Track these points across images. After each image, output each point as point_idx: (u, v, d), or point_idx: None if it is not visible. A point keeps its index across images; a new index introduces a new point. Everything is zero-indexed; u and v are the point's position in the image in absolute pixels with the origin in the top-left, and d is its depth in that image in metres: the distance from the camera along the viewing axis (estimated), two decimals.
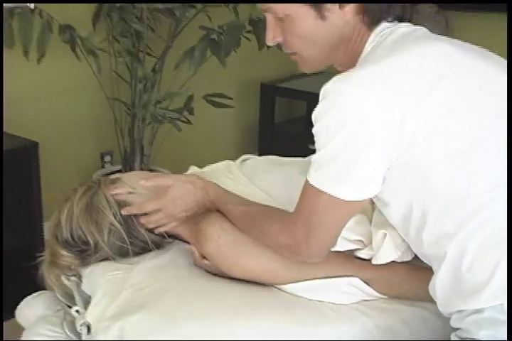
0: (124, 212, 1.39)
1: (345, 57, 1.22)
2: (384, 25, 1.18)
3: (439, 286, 1.13)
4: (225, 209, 1.37)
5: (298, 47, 1.21)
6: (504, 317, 1.05)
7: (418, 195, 1.11)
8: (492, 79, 1.14)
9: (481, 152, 1.07)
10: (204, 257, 1.36)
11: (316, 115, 1.08)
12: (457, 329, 1.12)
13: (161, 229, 1.42)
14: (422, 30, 1.20)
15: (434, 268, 1.15)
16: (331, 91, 1.07)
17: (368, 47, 1.18)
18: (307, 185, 1.12)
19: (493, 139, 1.09)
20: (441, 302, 1.15)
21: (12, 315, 1.56)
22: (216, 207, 1.39)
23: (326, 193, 1.09)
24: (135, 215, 1.40)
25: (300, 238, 1.17)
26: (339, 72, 1.12)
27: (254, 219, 1.30)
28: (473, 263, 1.07)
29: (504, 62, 1.19)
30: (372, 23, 1.18)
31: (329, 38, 1.18)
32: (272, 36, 1.21)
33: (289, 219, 1.20)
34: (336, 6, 1.14)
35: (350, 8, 1.15)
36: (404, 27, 1.19)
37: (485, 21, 3.41)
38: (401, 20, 1.20)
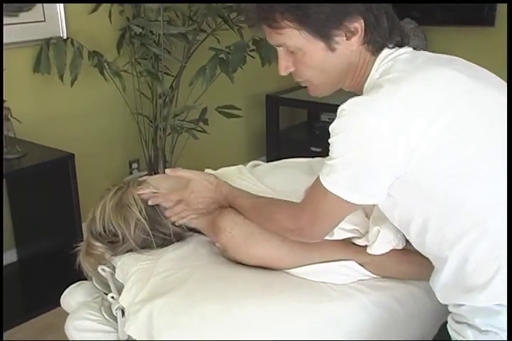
0: (151, 202, 1.40)
1: (352, 82, 1.18)
2: (386, 51, 1.14)
3: (439, 283, 1.11)
4: (236, 204, 1.37)
5: (309, 77, 1.16)
6: (498, 307, 1.03)
7: (419, 207, 1.08)
8: (492, 101, 1.09)
9: (481, 171, 1.04)
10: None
11: (333, 129, 1.04)
12: (449, 307, 1.12)
13: (183, 221, 1.42)
14: (423, 55, 1.16)
15: (436, 267, 1.12)
16: (349, 112, 1.02)
17: (374, 73, 1.13)
18: (318, 183, 1.09)
19: (492, 160, 1.05)
20: (440, 296, 1.13)
21: (58, 304, 1.57)
22: (228, 203, 1.39)
23: (333, 194, 1.07)
24: (161, 211, 1.41)
25: (304, 225, 1.16)
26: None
27: (262, 209, 1.30)
28: (475, 269, 1.05)
29: (500, 81, 1.15)
30: (376, 50, 1.13)
31: (338, 66, 1.13)
32: (285, 67, 1.15)
33: (296, 207, 1.19)
34: (344, 38, 1.09)
35: (355, 39, 1.10)
36: (405, 53, 1.14)
37: (459, 34, 3.41)
38: (401, 45, 1.15)
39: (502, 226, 1.03)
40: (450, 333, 1.10)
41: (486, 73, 1.17)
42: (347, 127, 1.02)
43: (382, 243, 1.26)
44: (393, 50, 1.14)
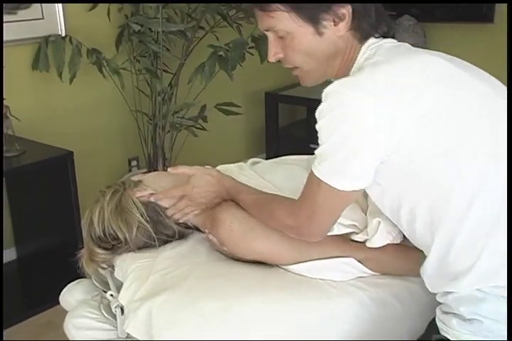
0: (153, 199, 1.39)
1: (340, 69, 1.20)
2: (372, 40, 1.17)
3: (426, 270, 1.12)
4: (238, 199, 1.37)
5: (298, 62, 1.18)
6: (481, 294, 1.04)
7: (406, 192, 1.10)
8: (474, 86, 1.11)
9: (465, 152, 1.05)
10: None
11: (319, 113, 1.07)
12: (441, 303, 1.12)
13: (186, 217, 1.41)
14: (405, 45, 1.19)
15: (425, 253, 1.14)
16: (333, 93, 1.05)
17: (360, 58, 1.16)
18: (311, 175, 1.12)
19: (476, 139, 1.06)
20: (428, 283, 1.14)
21: (58, 302, 1.57)
22: (230, 197, 1.39)
23: (325, 183, 1.08)
24: (162, 211, 1.40)
25: (303, 221, 1.16)
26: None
27: (263, 206, 1.30)
28: (459, 253, 1.06)
29: (480, 72, 1.17)
30: (362, 37, 1.16)
31: (325, 51, 1.16)
32: (274, 53, 1.18)
33: (294, 204, 1.19)
34: (332, 23, 1.13)
35: (343, 25, 1.13)
36: (389, 43, 1.18)
37: (459, 31, 3.40)
38: (386, 36, 1.18)
39: (483, 212, 1.04)
40: (438, 324, 1.10)
41: (475, 68, 1.18)
42: (330, 110, 1.05)
43: (382, 234, 1.26)
44: (379, 39, 1.18)
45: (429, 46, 1.16)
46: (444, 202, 1.06)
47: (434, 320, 1.16)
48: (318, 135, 1.08)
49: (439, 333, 1.09)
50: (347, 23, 1.13)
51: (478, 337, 1.03)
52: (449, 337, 1.06)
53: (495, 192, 1.05)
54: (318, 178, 1.09)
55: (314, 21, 1.12)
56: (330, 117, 1.04)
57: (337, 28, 1.13)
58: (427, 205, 1.08)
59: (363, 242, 1.31)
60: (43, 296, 2.40)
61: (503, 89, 1.15)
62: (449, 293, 1.09)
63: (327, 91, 1.05)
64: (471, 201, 1.04)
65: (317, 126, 1.08)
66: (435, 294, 1.14)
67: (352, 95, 1.03)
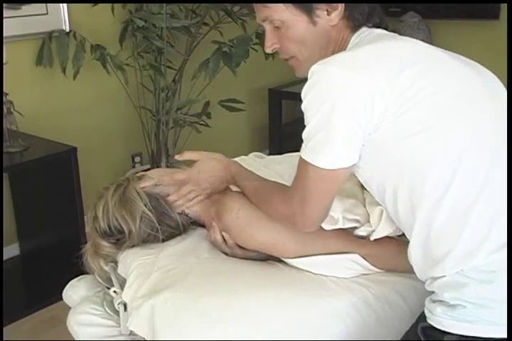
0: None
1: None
2: (363, 29, 1.21)
3: (412, 254, 1.12)
4: (242, 185, 1.36)
5: (293, 52, 1.21)
6: (464, 279, 1.04)
7: (389, 172, 1.10)
8: (457, 68, 1.13)
9: (440, 129, 1.05)
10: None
11: (303, 92, 1.08)
12: (432, 292, 1.11)
13: (190, 204, 1.41)
14: (395, 34, 1.22)
15: (408, 237, 1.14)
16: (316, 71, 1.07)
17: (350, 45, 1.19)
18: (300, 160, 1.12)
19: (453, 118, 1.06)
20: (416, 269, 1.14)
21: (61, 298, 1.57)
22: (236, 182, 1.38)
23: (311, 165, 1.09)
24: (166, 202, 1.40)
25: (296, 209, 1.16)
26: None
27: (262, 193, 1.29)
28: (439, 234, 1.06)
29: (466, 61, 1.18)
30: (355, 27, 1.20)
31: (319, 40, 1.19)
32: (271, 43, 1.22)
33: (287, 191, 1.19)
34: (325, 12, 1.16)
35: (336, 14, 1.17)
36: (380, 30, 1.21)
37: (464, 27, 3.39)
38: (379, 27, 1.21)
39: (461, 191, 1.04)
40: (426, 314, 1.10)
41: (465, 59, 1.19)
42: (313, 85, 1.07)
43: (385, 223, 1.26)
44: (370, 29, 1.21)
45: (435, 43, 1.16)
46: (422, 182, 1.06)
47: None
48: (304, 116, 1.09)
49: (426, 322, 1.09)
50: (340, 13, 1.17)
51: (461, 322, 1.03)
52: (433, 324, 1.06)
53: (473, 172, 1.04)
54: (305, 161, 1.10)
55: (308, 10, 1.16)
56: (312, 95, 1.06)
57: (330, 17, 1.17)
58: (406, 186, 1.08)
59: (367, 238, 1.30)
60: (46, 292, 2.39)
61: (492, 77, 1.17)
62: (435, 279, 1.09)
63: (311, 70, 1.08)
64: (449, 180, 1.04)
65: (302, 107, 1.09)
66: (424, 283, 1.14)
67: (333, 71, 1.05)
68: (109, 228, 1.40)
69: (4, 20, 2.39)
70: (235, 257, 1.37)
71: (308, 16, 1.16)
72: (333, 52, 1.20)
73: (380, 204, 1.24)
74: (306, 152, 1.10)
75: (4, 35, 2.36)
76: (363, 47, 1.13)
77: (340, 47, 1.20)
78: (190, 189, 1.39)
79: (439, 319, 1.05)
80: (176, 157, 1.44)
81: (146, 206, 1.38)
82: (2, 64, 2.19)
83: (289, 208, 1.18)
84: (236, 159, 1.66)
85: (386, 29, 1.22)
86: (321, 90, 1.06)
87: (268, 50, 1.24)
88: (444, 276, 1.07)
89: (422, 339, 1.08)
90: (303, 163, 1.11)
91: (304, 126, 1.11)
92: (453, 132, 1.06)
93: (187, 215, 1.44)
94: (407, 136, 1.05)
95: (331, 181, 1.12)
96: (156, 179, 1.43)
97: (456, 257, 1.05)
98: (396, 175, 1.09)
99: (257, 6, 1.20)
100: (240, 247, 1.36)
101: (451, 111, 1.07)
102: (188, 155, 1.43)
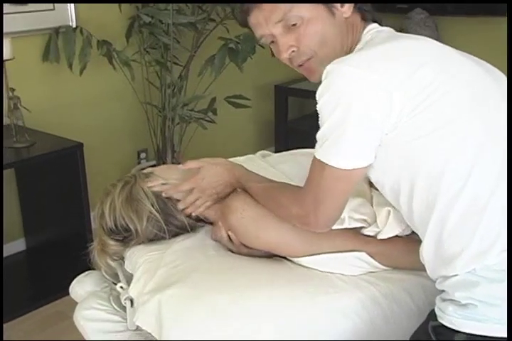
0: (164, 194, 1.39)
1: (345, 52, 1.20)
2: (372, 25, 1.21)
3: (424, 253, 1.12)
4: (248, 187, 1.36)
5: (313, 50, 1.18)
6: (475, 278, 1.04)
7: (404, 172, 1.10)
8: (469, 67, 1.13)
9: (456, 127, 1.05)
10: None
11: (318, 93, 1.07)
12: (442, 291, 1.11)
13: (199, 210, 1.41)
14: (404, 34, 1.22)
15: (421, 237, 1.13)
16: (331, 71, 1.05)
17: (362, 40, 1.19)
18: (314, 160, 1.11)
19: (468, 116, 1.06)
20: (428, 268, 1.14)
21: (67, 293, 1.57)
22: (241, 186, 1.38)
23: (327, 165, 1.08)
24: (173, 204, 1.40)
25: (309, 208, 1.15)
26: None
27: (271, 194, 1.29)
28: (452, 232, 1.06)
29: (477, 60, 1.18)
30: (365, 21, 1.20)
31: (339, 34, 1.18)
32: (288, 46, 1.17)
33: (300, 191, 1.18)
34: (339, 4, 1.16)
35: (348, 6, 1.17)
36: (389, 28, 1.21)
37: (471, 24, 3.37)
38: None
39: (477, 189, 1.04)
40: (436, 312, 1.09)
41: (476, 59, 1.19)
42: (329, 86, 1.05)
43: (393, 224, 1.25)
44: (379, 26, 1.21)
45: (443, 40, 1.16)
46: (438, 180, 1.05)
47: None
48: (319, 117, 1.08)
49: (436, 320, 1.09)
50: (351, 5, 1.18)
51: (471, 321, 1.03)
52: (443, 323, 1.06)
53: (488, 169, 1.05)
54: (320, 161, 1.09)
55: (327, 3, 1.15)
56: (328, 96, 1.05)
57: (343, 9, 1.17)
58: (423, 185, 1.07)
59: (374, 236, 1.30)
60: (52, 287, 2.40)
61: (501, 75, 1.17)
62: (446, 278, 1.08)
63: (327, 70, 1.06)
64: (465, 177, 1.04)
65: (318, 107, 1.07)
66: (434, 281, 1.13)
67: (350, 71, 1.04)
68: (116, 226, 1.40)
69: (11, 15, 2.40)
70: (241, 254, 1.37)
71: (328, 7, 1.15)
72: (349, 49, 1.19)
73: (388, 205, 1.24)
74: (321, 152, 1.09)
75: (11, 30, 2.36)
76: (377, 46, 1.12)
77: (354, 42, 1.20)
78: (197, 196, 1.39)
79: (450, 318, 1.05)
80: (180, 166, 1.44)
81: (153, 206, 1.38)
82: (2, 61, 2.18)
83: (301, 208, 1.16)
84: (243, 158, 1.65)
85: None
86: (336, 90, 1.04)
87: (285, 55, 1.18)
88: (456, 275, 1.06)
89: (433, 337, 1.08)
90: (317, 163, 1.10)
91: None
92: (469, 130, 1.06)
93: (196, 216, 1.44)
94: (423, 134, 1.05)
95: (347, 181, 1.11)
96: (162, 179, 1.42)
97: (469, 256, 1.05)
98: (412, 174, 1.08)
99: (269, 9, 1.15)
100: (246, 246, 1.36)
101: (465, 109, 1.07)
102: (191, 165, 1.43)
